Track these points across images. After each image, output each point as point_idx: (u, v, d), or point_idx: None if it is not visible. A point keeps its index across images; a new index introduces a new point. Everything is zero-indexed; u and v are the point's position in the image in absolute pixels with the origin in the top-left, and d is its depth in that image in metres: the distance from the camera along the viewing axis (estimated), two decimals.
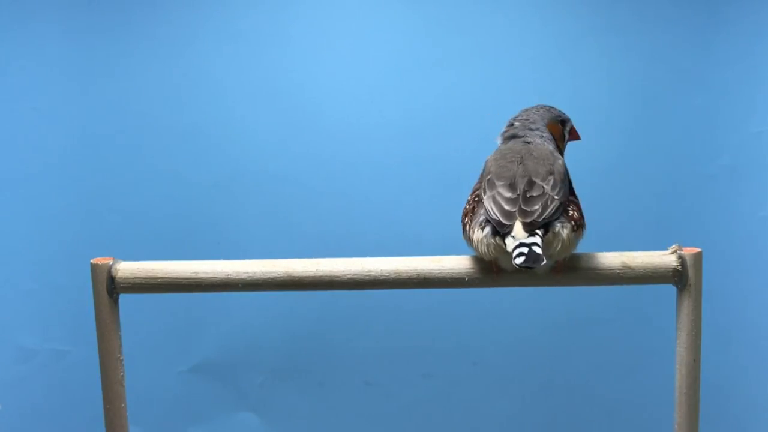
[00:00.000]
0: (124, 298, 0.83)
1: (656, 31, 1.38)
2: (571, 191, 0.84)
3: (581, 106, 1.39)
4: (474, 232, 0.78)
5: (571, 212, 0.79)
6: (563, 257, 0.79)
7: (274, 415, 1.45)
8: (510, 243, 0.73)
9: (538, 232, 0.74)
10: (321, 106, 1.39)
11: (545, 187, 0.78)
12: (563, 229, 0.76)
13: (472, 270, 0.81)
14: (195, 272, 0.81)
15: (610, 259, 0.81)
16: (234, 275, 0.81)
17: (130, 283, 0.81)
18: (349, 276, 0.81)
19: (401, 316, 1.42)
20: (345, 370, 1.44)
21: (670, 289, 0.82)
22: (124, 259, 0.83)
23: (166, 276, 0.81)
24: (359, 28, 1.39)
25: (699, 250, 0.80)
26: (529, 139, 0.89)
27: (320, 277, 0.81)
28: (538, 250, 0.71)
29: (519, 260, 0.71)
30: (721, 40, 1.37)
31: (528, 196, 0.77)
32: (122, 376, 0.82)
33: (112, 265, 0.81)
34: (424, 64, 1.39)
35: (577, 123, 1.46)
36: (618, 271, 0.80)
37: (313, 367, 1.44)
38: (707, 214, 1.39)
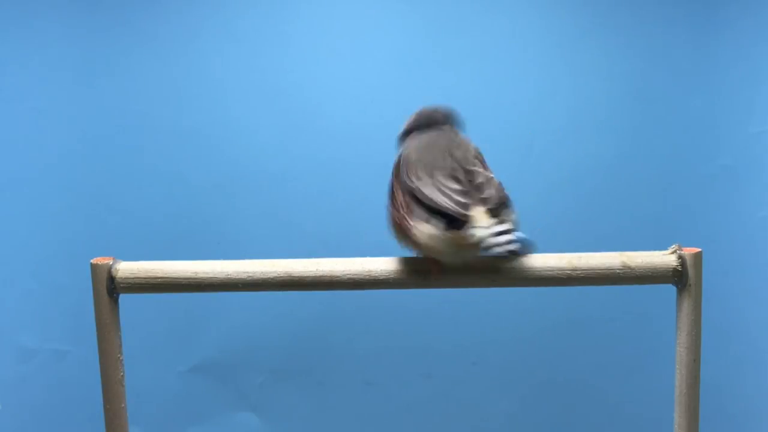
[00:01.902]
0: (124, 298, 0.83)
1: (656, 31, 1.38)
2: None
3: (581, 106, 1.40)
4: (419, 228, 0.72)
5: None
6: None
7: (274, 415, 1.45)
8: (478, 232, 0.69)
9: (498, 218, 0.71)
10: (321, 106, 1.39)
11: (482, 171, 0.76)
12: (513, 213, 0.75)
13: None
14: (195, 272, 0.81)
15: (610, 259, 0.80)
16: (234, 275, 0.81)
17: (130, 283, 0.81)
18: (349, 276, 0.81)
19: (401, 316, 1.42)
20: (345, 370, 1.44)
21: (670, 289, 0.82)
22: (124, 259, 0.83)
23: (166, 276, 0.81)
24: (359, 28, 1.39)
25: (699, 250, 0.80)
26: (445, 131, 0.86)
27: (320, 277, 0.81)
28: (520, 233, 0.68)
29: (511, 247, 0.67)
30: (721, 40, 1.37)
31: (476, 182, 0.74)
32: (122, 376, 0.82)
33: (112, 265, 0.81)
34: (424, 64, 1.39)
35: (577, 123, 1.46)
36: (618, 271, 0.80)
37: (313, 367, 1.44)
38: (707, 214, 1.40)
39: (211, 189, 1.40)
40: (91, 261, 0.81)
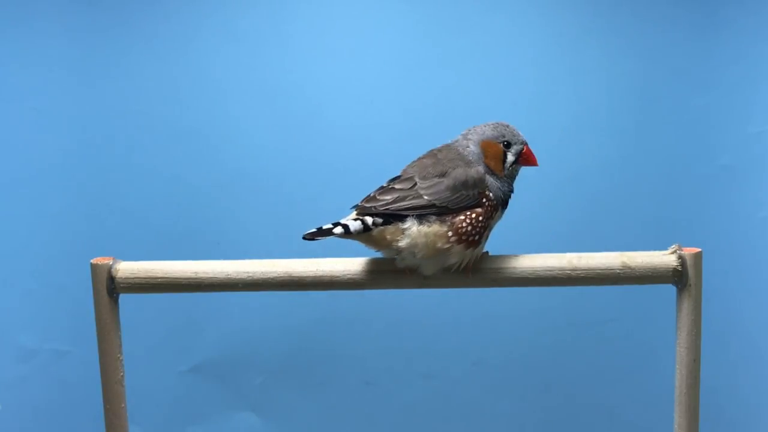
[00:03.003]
0: (124, 298, 0.83)
1: (656, 31, 1.38)
2: (479, 206, 0.79)
3: (581, 106, 1.40)
4: None
5: (454, 217, 0.77)
6: (434, 257, 0.77)
7: (274, 415, 1.45)
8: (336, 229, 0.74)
9: (367, 219, 0.75)
10: (321, 107, 1.39)
11: (419, 183, 0.78)
12: (415, 225, 0.76)
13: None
14: (195, 272, 0.81)
15: (610, 259, 0.81)
16: (234, 275, 0.81)
17: (130, 283, 0.81)
18: (349, 276, 0.81)
19: (401, 317, 1.42)
20: (345, 370, 1.44)
21: (670, 289, 0.82)
22: (124, 259, 0.83)
23: (166, 276, 0.81)
24: (359, 28, 1.39)
25: (699, 250, 0.80)
26: (453, 146, 0.86)
27: (320, 277, 0.81)
28: (337, 228, 0.73)
29: (327, 226, 0.73)
30: (721, 40, 1.37)
31: (389, 187, 0.79)
32: (122, 376, 0.82)
33: (112, 265, 0.81)
34: (424, 64, 1.39)
35: (577, 123, 1.46)
36: (618, 271, 0.80)
37: (313, 367, 1.44)
38: (707, 214, 1.40)
39: (211, 189, 1.40)
40: (91, 261, 0.81)
